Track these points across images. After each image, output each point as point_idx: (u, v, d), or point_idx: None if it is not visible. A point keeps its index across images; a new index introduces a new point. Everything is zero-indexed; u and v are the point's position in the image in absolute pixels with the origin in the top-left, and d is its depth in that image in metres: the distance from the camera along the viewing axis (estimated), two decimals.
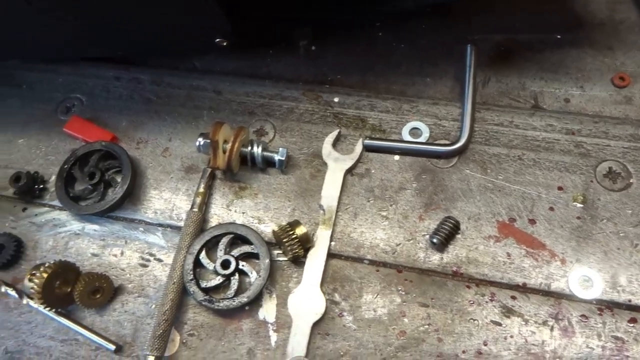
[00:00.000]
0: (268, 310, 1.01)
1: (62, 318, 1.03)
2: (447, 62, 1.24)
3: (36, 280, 0.97)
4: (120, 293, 1.06)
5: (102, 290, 1.03)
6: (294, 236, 0.99)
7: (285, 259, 1.04)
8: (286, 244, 0.98)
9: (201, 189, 1.10)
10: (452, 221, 1.01)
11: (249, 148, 1.11)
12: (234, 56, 1.33)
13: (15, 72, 1.36)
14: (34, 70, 1.36)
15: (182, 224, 1.10)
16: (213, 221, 1.10)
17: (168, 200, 1.14)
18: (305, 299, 0.99)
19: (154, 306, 1.04)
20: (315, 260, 1.01)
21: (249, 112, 1.22)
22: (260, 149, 1.10)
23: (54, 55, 1.32)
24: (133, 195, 1.15)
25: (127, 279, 1.08)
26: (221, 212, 1.12)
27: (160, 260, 1.08)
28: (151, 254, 1.09)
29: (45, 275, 0.97)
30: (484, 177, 1.07)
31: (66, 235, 1.14)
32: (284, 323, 1.00)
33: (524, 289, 0.98)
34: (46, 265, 0.99)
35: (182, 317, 1.03)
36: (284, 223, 1.02)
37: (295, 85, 1.24)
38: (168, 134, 1.22)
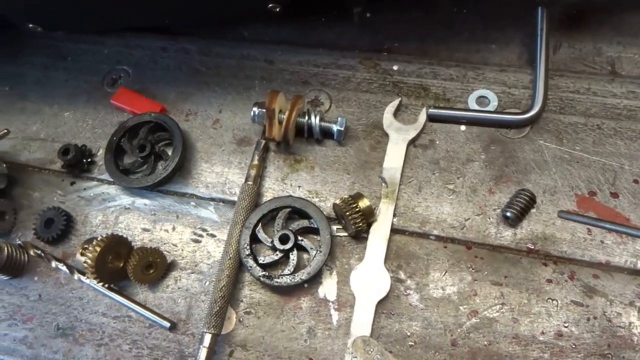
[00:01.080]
0: (328, 288, 0.95)
1: (114, 294, 1.00)
2: (514, 27, 1.16)
3: (89, 254, 0.94)
4: (172, 269, 1.02)
5: (155, 266, 0.99)
6: (357, 209, 0.93)
7: (346, 234, 0.98)
8: (348, 217, 0.93)
9: (255, 162, 1.05)
10: (528, 194, 0.93)
11: (306, 118, 1.05)
12: (285, 25, 1.27)
13: (61, 44, 1.32)
14: (79, 42, 1.32)
15: (235, 198, 1.05)
16: (268, 195, 1.05)
17: (220, 174, 1.09)
18: (369, 277, 0.93)
19: (208, 283, 0.99)
20: (378, 235, 0.95)
21: (303, 82, 1.16)
22: (317, 119, 1.04)
23: (100, 26, 1.28)
24: (183, 168, 1.11)
25: (179, 255, 1.03)
26: (276, 185, 1.06)
27: (213, 236, 1.04)
28: (204, 229, 1.05)
29: (98, 249, 0.94)
30: (559, 148, 0.99)
31: (116, 209, 1.10)
32: (345, 301, 0.94)
33: (607, 267, 0.90)
34: (98, 239, 0.95)
35: (238, 294, 0.98)
36: (344, 196, 0.96)
37: (351, 53, 1.17)
38: (218, 105, 1.17)
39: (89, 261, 0.94)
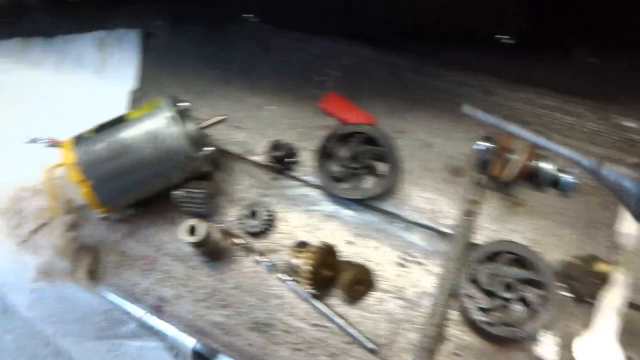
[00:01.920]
0: (546, 349, 0.91)
1: (318, 303, 0.99)
2: None
3: (308, 260, 0.94)
4: (375, 289, 1.01)
5: (363, 282, 0.98)
6: (593, 273, 0.88)
7: (570, 294, 0.93)
8: (584, 280, 0.88)
9: (474, 197, 1.02)
10: None
11: (534, 163, 1.01)
12: (498, 54, 1.22)
13: (269, 36, 1.33)
14: (287, 38, 1.32)
15: (445, 229, 1.03)
16: (478, 234, 1.02)
17: (430, 201, 1.07)
18: (599, 350, 0.88)
19: (416, 312, 0.97)
20: (611, 306, 0.90)
21: (523, 121, 1.12)
22: (551, 166, 0.99)
23: (315, 27, 1.28)
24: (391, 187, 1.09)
25: (382, 276, 1.02)
26: (487, 224, 1.03)
27: (420, 264, 1.02)
28: (410, 255, 1.03)
29: (317, 256, 0.94)
30: None
31: (317, 214, 1.10)
32: None
33: None
34: (315, 245, 0.96)
35: (444, 332, 0.95)
36: (579, 254, 0.91)
37: (578, 99, 1.12)
38: (430, 128, 1.14)
39: (307, 267, 0.94)
